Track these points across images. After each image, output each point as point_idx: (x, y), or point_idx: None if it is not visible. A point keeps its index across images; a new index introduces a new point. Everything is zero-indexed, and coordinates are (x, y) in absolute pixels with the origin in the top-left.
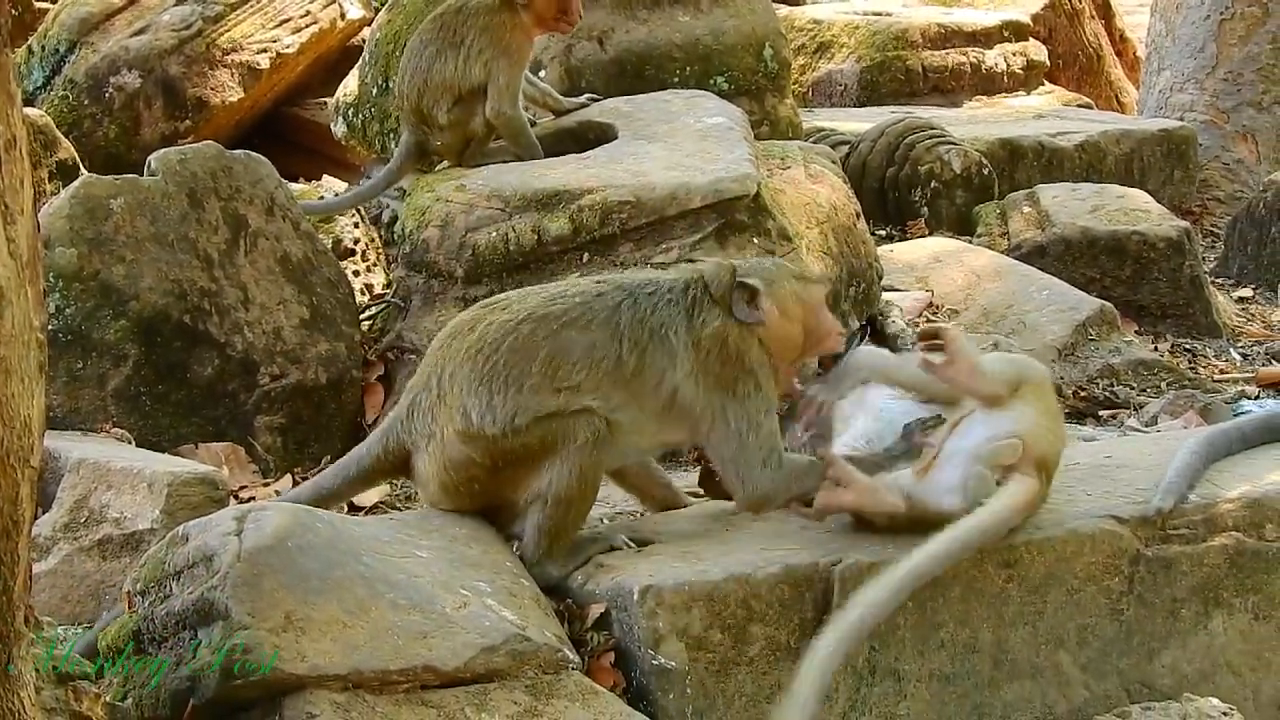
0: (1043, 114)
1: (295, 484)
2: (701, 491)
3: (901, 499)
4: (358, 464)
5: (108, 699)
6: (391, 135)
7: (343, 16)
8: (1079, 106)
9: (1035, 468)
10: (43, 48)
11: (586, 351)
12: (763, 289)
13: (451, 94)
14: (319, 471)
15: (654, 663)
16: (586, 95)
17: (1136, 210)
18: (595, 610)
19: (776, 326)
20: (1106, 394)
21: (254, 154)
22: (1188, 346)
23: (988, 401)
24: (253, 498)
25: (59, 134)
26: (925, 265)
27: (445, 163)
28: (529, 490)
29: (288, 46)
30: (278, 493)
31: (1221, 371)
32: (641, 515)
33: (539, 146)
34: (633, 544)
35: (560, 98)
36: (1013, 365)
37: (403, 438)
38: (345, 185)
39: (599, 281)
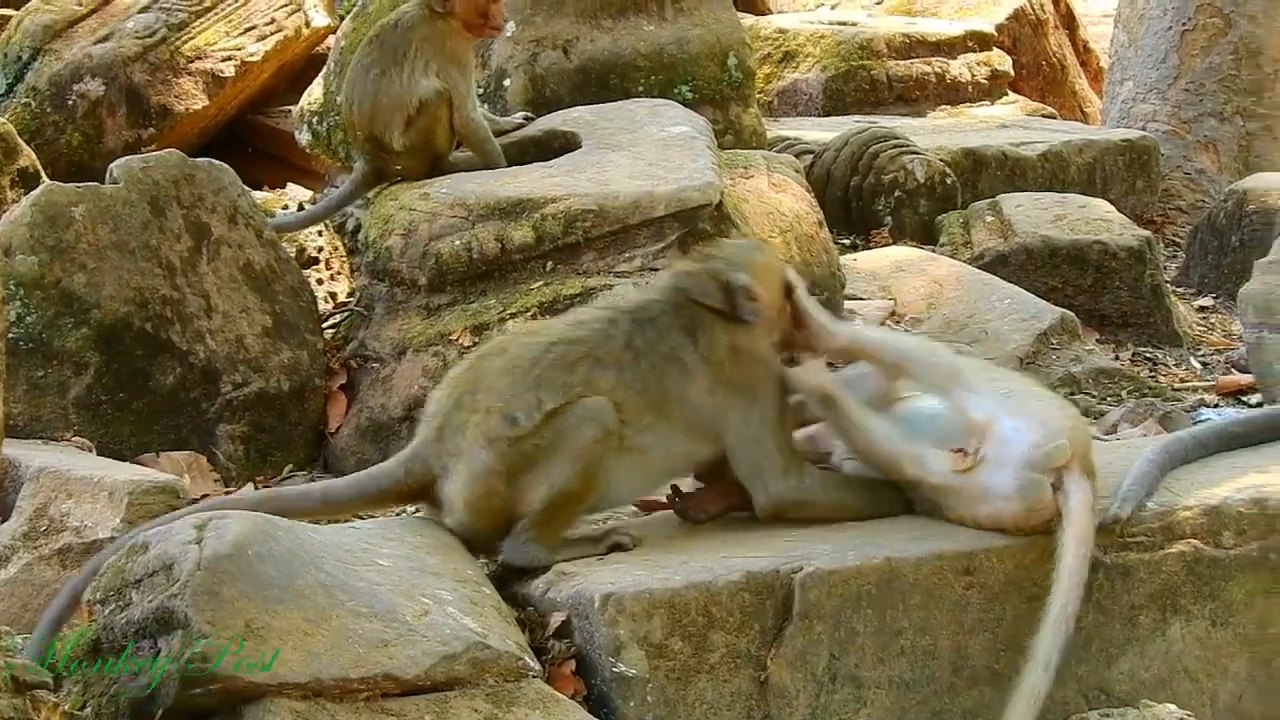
0: (1006, 124)
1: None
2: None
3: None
4: (377, 484)
5: (66, 708)
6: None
7: (308, 24)
8: (1043, 116)
9: (1081, 467)
10: (5, 55)
11: (618, 373)
12: (752, 281)
13: (403, 114)
14: (281, 481)
15: (615, 670)
16: (521, 115)
17: (1098, 220)
18: (556, 618)
19: (769, 305)
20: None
21: (216, 162)
22: (1148, 355)
23: (839, 356)
24: None
25: (20, 141)
26: (888, 274)
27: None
28: (540, 495)
29: (252, 54)
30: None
31: (1182, 380)
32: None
33: (502, 155)
34: (632, 543)
35: (495, 118)
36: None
37: (430, 461)
38: (310, 193)
39: (604, 309)
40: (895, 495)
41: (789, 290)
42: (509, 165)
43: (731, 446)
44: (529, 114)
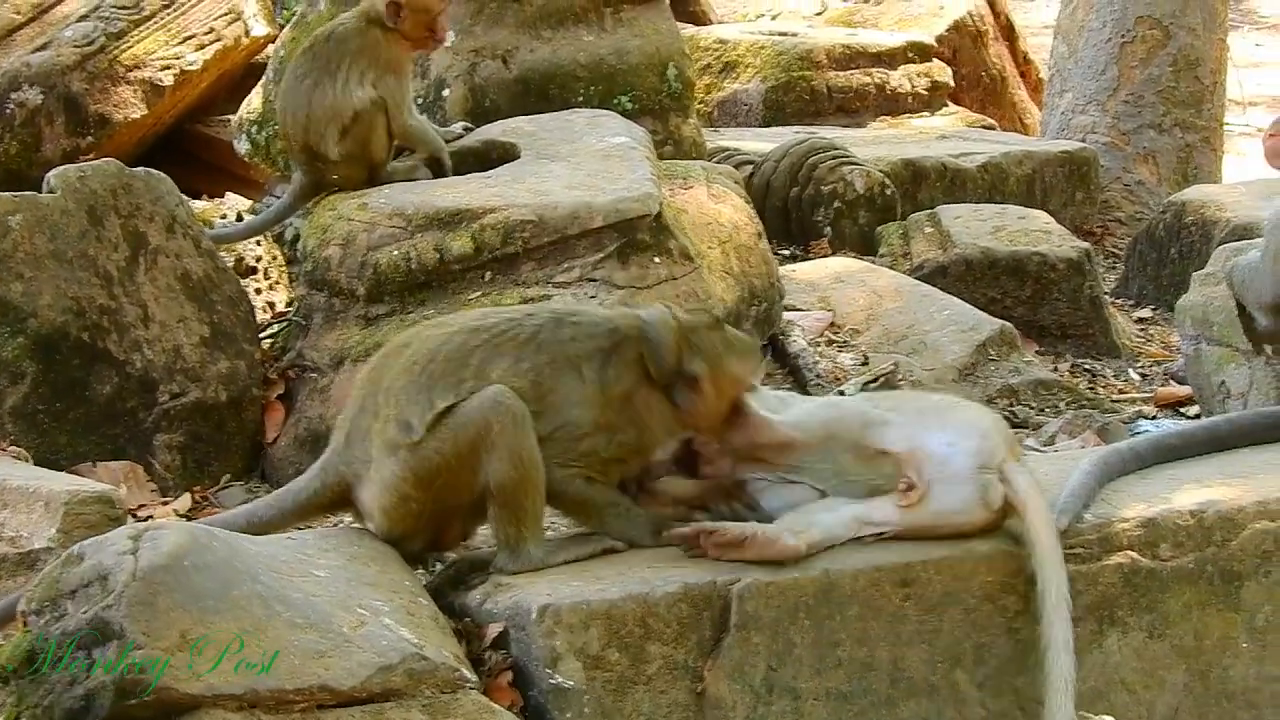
0: (946, 135)
1: (195, 503)
2: None
3: (808, 543)
4: (294, 498)
5: (1, 718)
6: None
7: (247, 33)
8: (982, 127)
9: (1014, 455)
10: None
11: (515, 363)
12: (705, 376)
13: (337, 123)
14: (219, 490)
15: (551, 682)
16: (460, 125)
17: (1037, 231)
18: (494, 629)
19: (706, 407)
20: (1006, 414)
21: (154, 171)
22: (1087, 367)
23: (787, 450)
24: (150, 516)
25: None
26: (827, 285)
27: None
28: (473, 495)
29: (192, 63)
30: (177, 512)
31: (1120, 392)
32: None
33: (445, 148)
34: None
35: (435, 127)
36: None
37: (342, 469)
38: (249, 202)
39: (528, 305)
40: (652, 519)
41: (736, 408)
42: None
43: (560, 433)
44: (468, 124)
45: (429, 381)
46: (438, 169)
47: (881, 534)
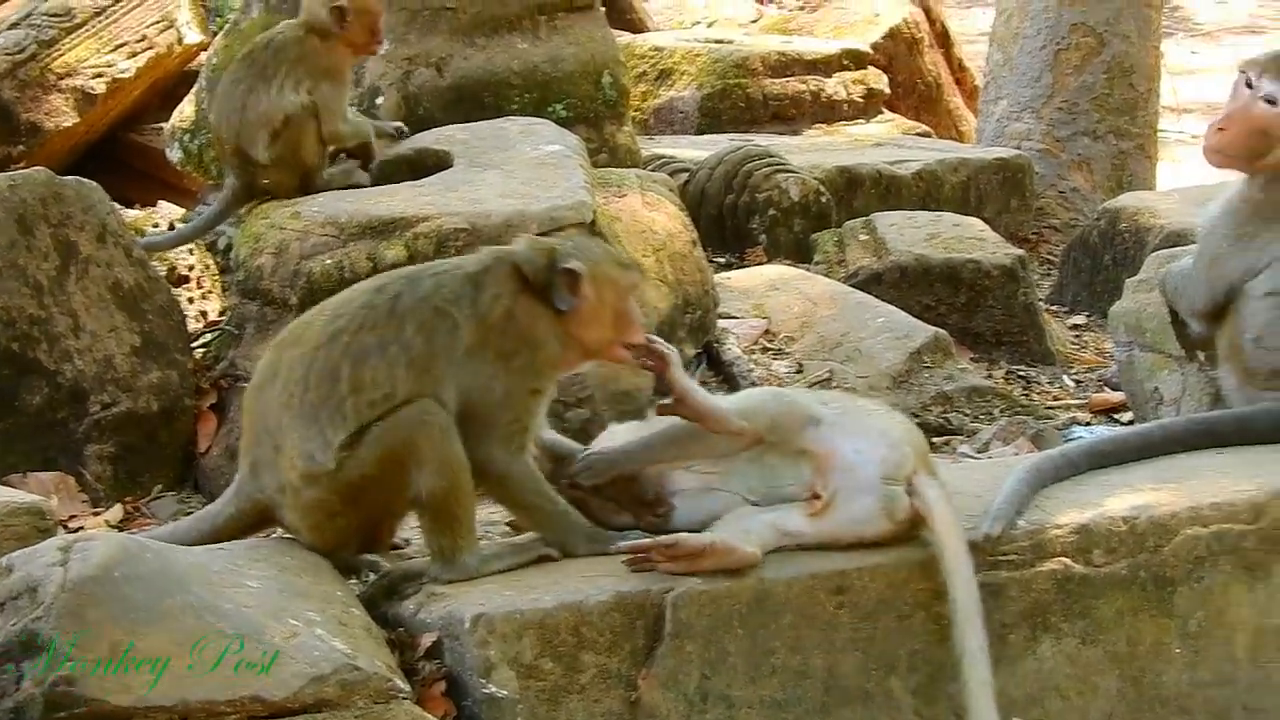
0: (881, 142)
1: (126, 513)
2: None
3: (757, 548)
4: (212, 522)
5: None
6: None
7: (180, 41)
8: (918, 135)
9: (926, 468)
10: None
11: (380, 352)
12: (585, 273)
13: (268, 128)
14: (151, 501)
15: (485, 691)
16: (394, 125)
17: (972, 238)
18: (427, 639)
19: (590, 311)
20: (940, 421)
21: (85, 180)
22: (1022, 373)
23: (733, 438)
24: (81, 527)
25: None
26: (762, 293)
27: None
28: (404, 505)
29: (124, 71)
30: (108, 523)
31: (1055, 398)
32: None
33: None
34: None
35: (372, 120)
36: (761, 400)
37: (256, 497)
38: (182, 210)
39: (380, 277)
40: (588, 530)
41: (625, 321)
42: (381, 185)
43: (468, 408)
44: (402, 126)
45: (312, 411)
46: (364, 155)
47: (799, 544)
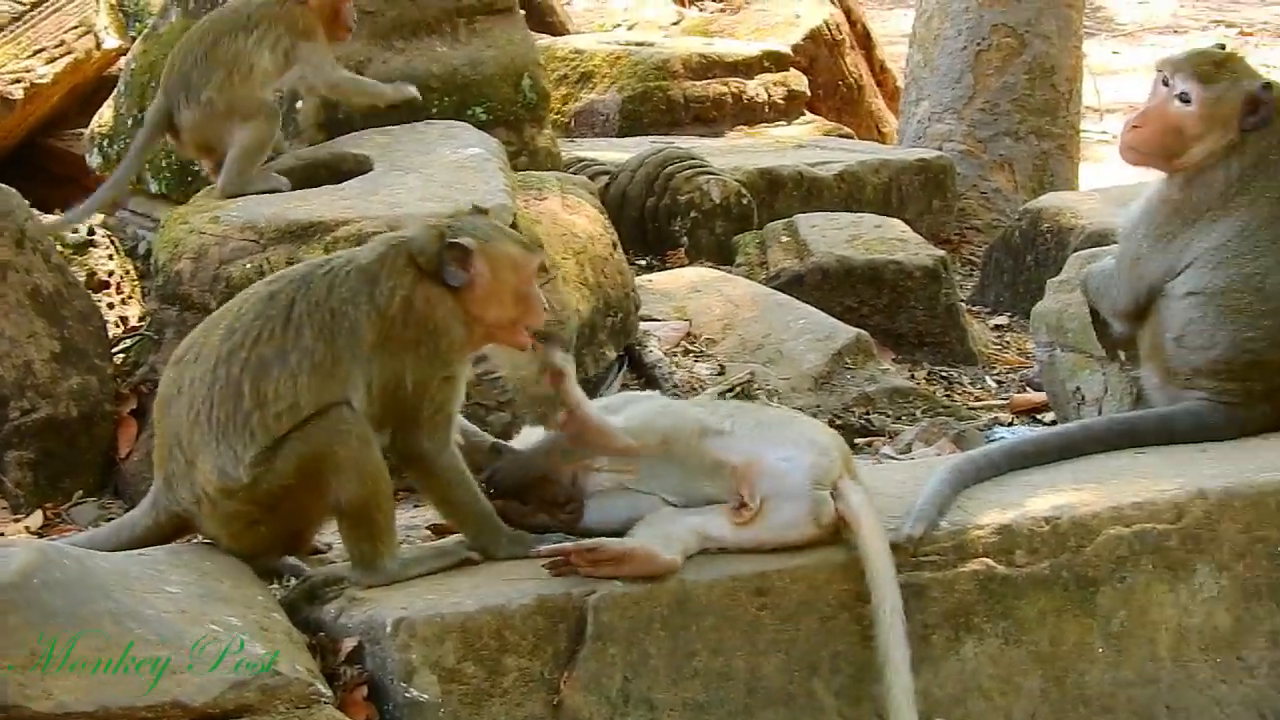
0: (803, 144)
1: (47, 519)
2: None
3: (679, 555)
4: (130, 532)
5: None
6: (147, 166)
7: (98, 46)
8: (840, 136)
9: (849, 472)
10: None
11: (281, 363)
12: (475, 248)
13: (226, 68)
14: (71, 507)
15: (407, 696)
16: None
17: (893, 239)
18: (348, 644)
19: (486, 289)
20: (862, 422)
21: (3, 186)
22: (944, 374)
23: (623, 454)
24: (1, 534)
25: None
26: (683, 295)
27: (200, 193)
28: (324, 511)
29: (42, 76)
30: (28, 529)
31: (976, 399)
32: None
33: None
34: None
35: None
36: (648, 417)
37: (173, 508)
38: (101, 216)
39: (271, 282)
40: (509, 533)
41: (526, 302)
42: (300, 189)
43: (386, 404)
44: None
45: (220, 428)
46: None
47: (721, 548)
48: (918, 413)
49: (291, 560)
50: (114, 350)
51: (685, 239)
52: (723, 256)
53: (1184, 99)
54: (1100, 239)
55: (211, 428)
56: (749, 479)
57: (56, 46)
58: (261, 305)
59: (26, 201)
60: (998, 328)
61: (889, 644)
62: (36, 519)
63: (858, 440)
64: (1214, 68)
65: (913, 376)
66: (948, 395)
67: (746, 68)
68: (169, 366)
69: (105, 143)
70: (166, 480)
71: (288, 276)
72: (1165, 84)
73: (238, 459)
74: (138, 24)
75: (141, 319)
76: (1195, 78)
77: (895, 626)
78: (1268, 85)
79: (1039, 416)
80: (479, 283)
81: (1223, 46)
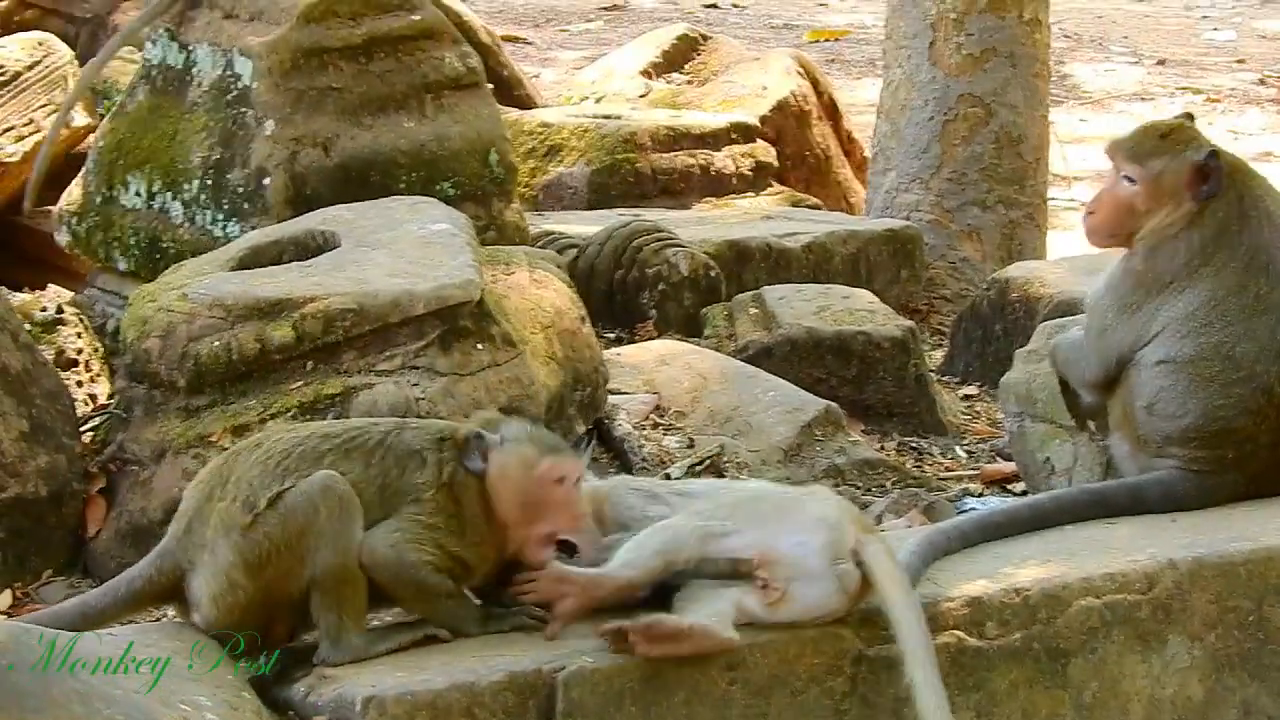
0: (771, 215)
1: (15, 599)
2: None
3: (734, 631)
4: (128, 585)
5: None
6: (115, 244)
7: (67, 125)
8: (807, 207)
9: (862, 530)
10: None
11: (364, 466)
12: (493, 445)
13: None
14: (40, 586)
15: None
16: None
17: (862, 310)
18: None
19: (495, 484)
20: None
21: None
22: (914, 445)
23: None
24: None
25: None
26: (652, 368)
27: (167, 271)
28: (301, 584)
29: (10, 154)
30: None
31: (947, 469)
32: None
33: None
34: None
35: None
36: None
37: (178, 557)
38: (70, 294)
39: (383, 419)
40: (477, 612)
41: (548, 509)
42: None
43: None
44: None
45: (282, 473)
46: None
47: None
48: (888, 484)
49: None
50: (82, 429)
51: (654, 311)
52: (691, 329)
53: (1129, 179)
54: (1068, 308)
55: (274, 470)
56: (768, 566)
57: (25, 124)
58: (364, 424)
59: None
60: (967, 397)
61: (934, 689)
62: (5, 599)
63: None
64: (1157, 142)
65: (882, 448)
66: (918, 466)
67: (714, 139)
68: (263, 431)
69: (74, 220)
70: (189, 525)
71: (390, 420)
72: (1114, 167)
73: (259, 498)
74: (106, 102)
75: (110, 397)
76: (1132, 158)
77: (933, 669)
78: (1214, 153)
79: (1009, 487)
80: (490, 478)
81: (1191, 116)
